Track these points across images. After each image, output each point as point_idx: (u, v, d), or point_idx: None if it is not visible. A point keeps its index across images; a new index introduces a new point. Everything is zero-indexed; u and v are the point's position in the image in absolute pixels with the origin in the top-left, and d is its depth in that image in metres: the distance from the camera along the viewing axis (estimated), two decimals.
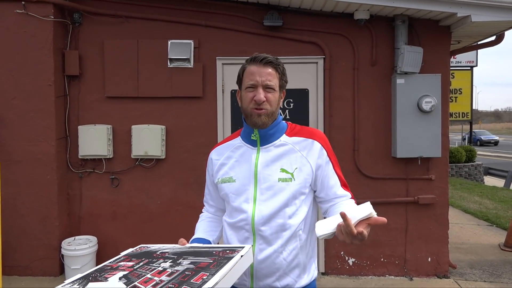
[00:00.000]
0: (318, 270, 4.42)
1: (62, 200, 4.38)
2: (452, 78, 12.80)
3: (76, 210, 4.49)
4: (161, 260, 1.30)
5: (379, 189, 4.38)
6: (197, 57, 4.37)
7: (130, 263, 1.30)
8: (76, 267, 4.07)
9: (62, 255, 4.21)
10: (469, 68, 13.20)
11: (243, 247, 1.39)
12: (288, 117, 4.40)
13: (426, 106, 4.15)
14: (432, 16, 4.13)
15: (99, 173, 4.46)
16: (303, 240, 1.56)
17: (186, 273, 1.16)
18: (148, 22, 4.38)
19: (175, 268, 1.21)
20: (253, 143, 1.61)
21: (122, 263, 1.31)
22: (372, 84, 4.37)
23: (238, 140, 1.67)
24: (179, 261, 1.28)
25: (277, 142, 1.59)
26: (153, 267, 1.24)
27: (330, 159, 1.59)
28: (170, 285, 1.08)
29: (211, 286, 1.06)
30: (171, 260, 1.29)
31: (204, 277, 1.12)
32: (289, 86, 4.79)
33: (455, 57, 12.64)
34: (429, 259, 4.38)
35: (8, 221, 4.20)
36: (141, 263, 1.28)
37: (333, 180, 1.57)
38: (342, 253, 4.42)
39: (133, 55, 4.36)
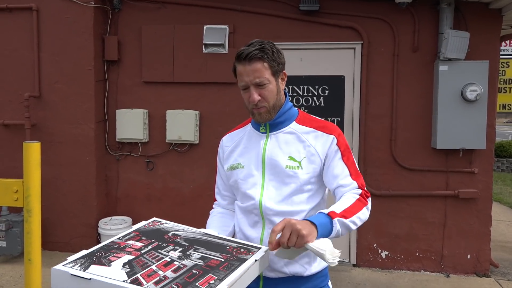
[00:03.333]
0: (350, 261, 4.33)
1: (100, 181, 4.55)
2: (507, 67, 11.98)
3: (113, 191, 4.65)
4: (171, 247, 1.27)
5: (416, 181, 4.19)
6: (232, 43, 4.34)
7: (139, 244, 1.27)
8: None
9: (99, 234, 4.39)
10: None
11: (259, 248, 1.32)
12: (322, 104, 4.29)
13: (471, 95, 3.91)
14: None
15: (135, 156, 4.58)
16: None
17: (193, 271, 1.13)
18: (184, 7, 4.40)
19: (183, 262, 1.17)
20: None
21: (130, 241, 1.30)
22: (413, 71, 4.16)
23: (248, 127, 1.65)
24: (189, 251, 1.25)
25: (286, 129, 1.56)
26: (160, 255, 1.21)
27: (339, 148, 1.52)
28: (173, 286, 1.05)
29: None
30: (181, 249, 1.26)
31: (211, 282, 1.08)
32: (324, 72, 4.62)
33: (511, 44, 11.79)
34: (469, 256, 4.17)
35: (51, 199, 4.43)
36: (150, 247, 1.26)
37: (338, 170, 1.49)
38: (375, 245, 4.30)
39: (169, 40, 4.40)
